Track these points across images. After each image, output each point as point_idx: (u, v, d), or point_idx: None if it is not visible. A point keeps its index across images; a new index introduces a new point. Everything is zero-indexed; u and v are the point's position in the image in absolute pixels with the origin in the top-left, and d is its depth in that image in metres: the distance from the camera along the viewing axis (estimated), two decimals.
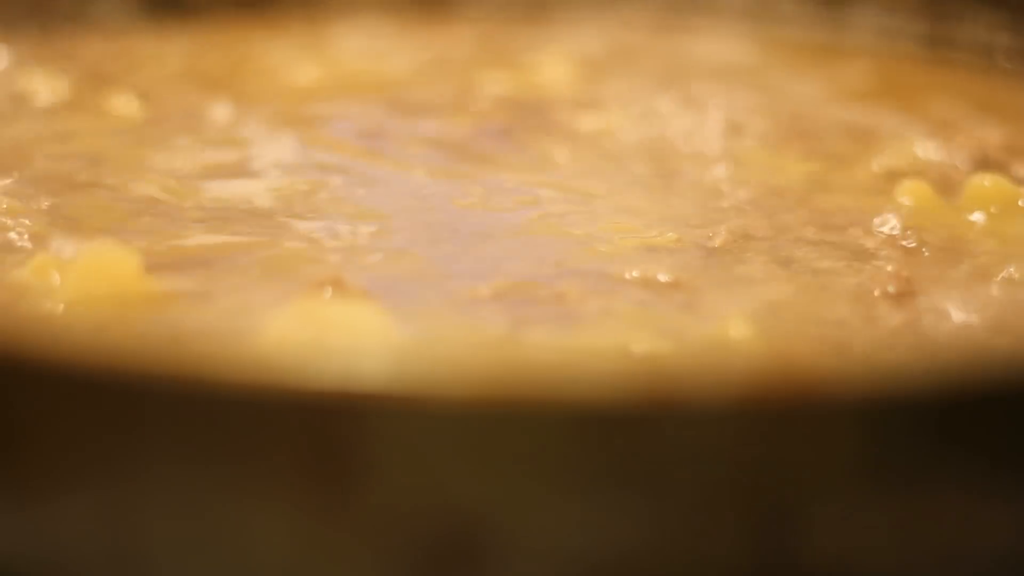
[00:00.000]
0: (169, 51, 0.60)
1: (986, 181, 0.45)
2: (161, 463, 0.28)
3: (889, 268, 0.41)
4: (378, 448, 0.28)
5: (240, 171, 0.47)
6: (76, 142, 0.49)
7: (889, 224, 0.44)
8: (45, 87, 0.54)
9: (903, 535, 0.29)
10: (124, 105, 0.53)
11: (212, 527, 0.29)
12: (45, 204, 0.43)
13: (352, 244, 0.42)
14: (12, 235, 0.41)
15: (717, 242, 0.43)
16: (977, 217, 0.45)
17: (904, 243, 0.43)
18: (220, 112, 0.53)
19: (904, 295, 0.39)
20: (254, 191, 0.45)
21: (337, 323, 0.35)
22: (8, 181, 0.45)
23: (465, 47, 0.62)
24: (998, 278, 0.41)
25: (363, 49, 0.61)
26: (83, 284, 0.37)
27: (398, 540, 0.28)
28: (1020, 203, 0.45)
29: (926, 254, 0.42)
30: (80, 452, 0.29)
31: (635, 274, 0.40)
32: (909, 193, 0.46)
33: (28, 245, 0.41)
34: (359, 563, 0.28)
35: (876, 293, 0.40)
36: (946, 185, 0.47)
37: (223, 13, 0.64)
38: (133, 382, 0.28)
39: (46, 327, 0.29)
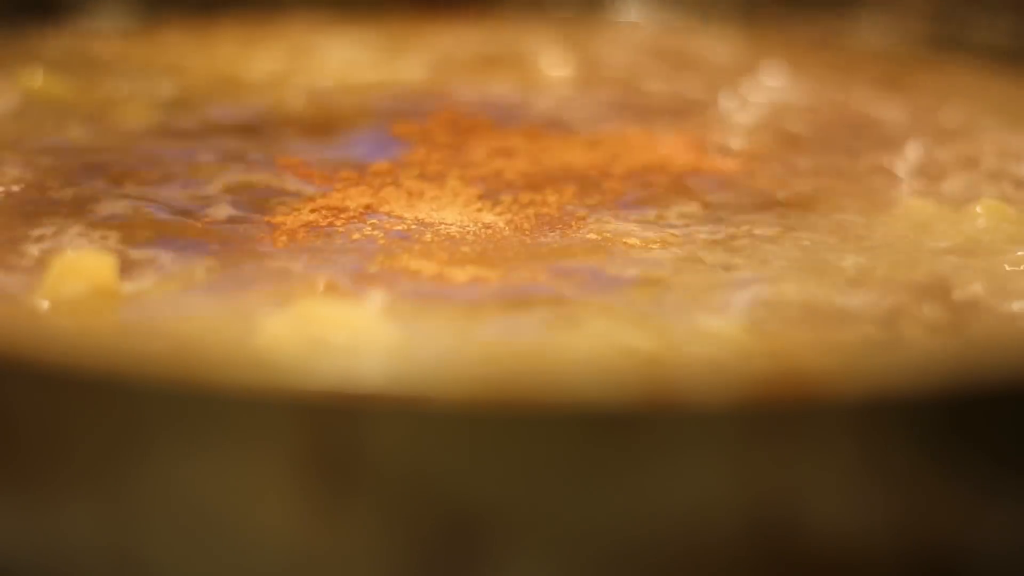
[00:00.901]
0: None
1: (980, 207, 0.45)
2: (161, 463, 0.28)
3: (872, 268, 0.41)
4: (377, 448, 0.28)
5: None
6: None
7: (881, 226, 0.44)
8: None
9: (903, 534, 0.29)
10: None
11: (211, 526, 0.29)
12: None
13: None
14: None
15: (718, 240, 0.43)
16: (978, 224, 0.45)
17: (898, 244, 0.43)
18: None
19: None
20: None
21: (335, 323, 0.35)
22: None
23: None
24: (997, 280, 0.41)
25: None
26: (62, 287, 0.38)
27: (397, 539, 0.28)
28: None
29: (923, 255, 0.42)
30: (80, 452, 0.29)
31: (635, 273, 0.40)
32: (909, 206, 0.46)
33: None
34: (358, 562, 0.28)
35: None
36: (948, 192, 0.47)
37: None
38: (133, 383, 0.28)
39: (46, 328, 0.29)
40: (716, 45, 0.63)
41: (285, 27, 0.63)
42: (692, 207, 0.45)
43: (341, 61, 0.60)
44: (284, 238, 0.42)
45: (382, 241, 0.42)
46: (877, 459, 0.28)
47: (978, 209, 0.45)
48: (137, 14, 0.63)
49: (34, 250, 0.40)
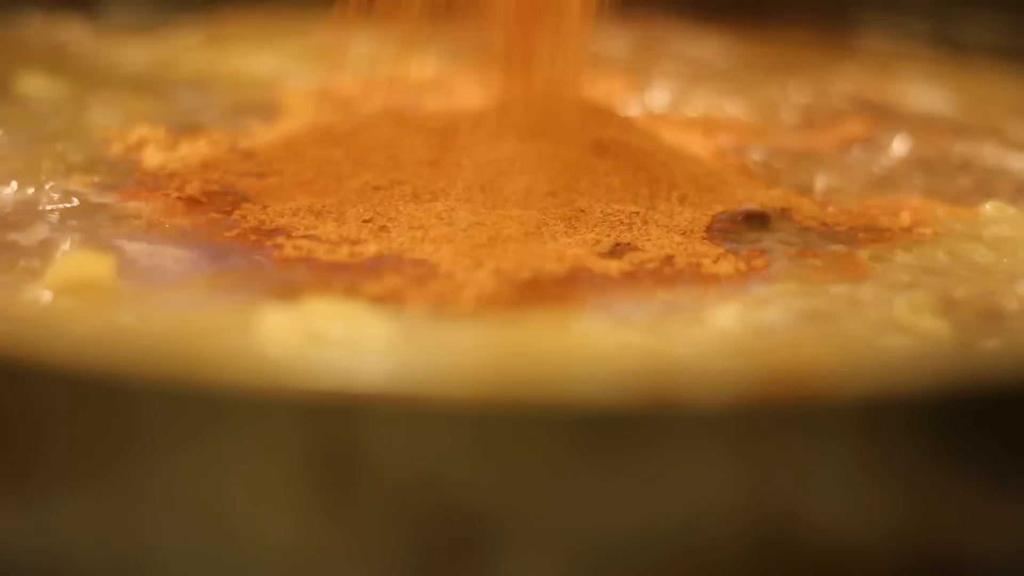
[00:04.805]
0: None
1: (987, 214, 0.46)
2: (160, 463, 0.28)
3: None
4: (377, 448, 0.28)
5: None
6: None
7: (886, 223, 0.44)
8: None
9: (903, 534, 0.29)
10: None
11: (211, 526, 0.29)
12: None
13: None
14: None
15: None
16: (980, 222, 0.45)
17: (901, 241, 0.43)
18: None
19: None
20: None
21: (335, 323, 0.35)
22: None
23: None
24: (998, 279, 0.41)
25: None
26: (61, 286, 0.38)
27: (397, 539, 0.28)
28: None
29: (924, 252, 0.42)
30: (80, 452, 0.29)
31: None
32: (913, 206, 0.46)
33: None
34: (358, 562, 0.28)
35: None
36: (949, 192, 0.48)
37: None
38: (133, 382, 0.28)
39: (46, 327, 0.29)
40: (710, 41, 0.63)
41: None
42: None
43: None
44: (286, 236, 0.42)
45: (383, 239, 0.42)
46: (877, 459, 0.28)
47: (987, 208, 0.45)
48: (141, 13, 0.63)
49: (33, 250, 0.40)
